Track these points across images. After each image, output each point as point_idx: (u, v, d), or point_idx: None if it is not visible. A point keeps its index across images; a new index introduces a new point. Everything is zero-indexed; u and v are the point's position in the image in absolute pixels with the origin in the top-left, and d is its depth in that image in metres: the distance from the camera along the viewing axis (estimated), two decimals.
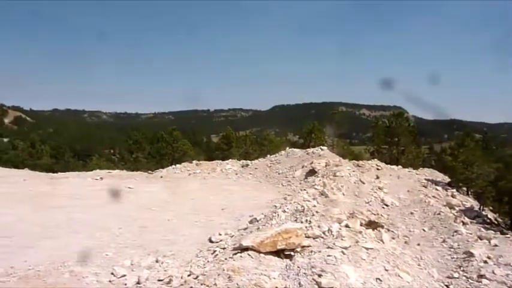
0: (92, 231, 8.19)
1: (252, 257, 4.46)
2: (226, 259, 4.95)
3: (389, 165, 18.29)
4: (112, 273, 6.03)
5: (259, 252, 4.62)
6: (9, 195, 11.44)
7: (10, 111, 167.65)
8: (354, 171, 14.95)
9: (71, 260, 6.34)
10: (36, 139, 34.74)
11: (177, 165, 19.16)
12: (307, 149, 19.01)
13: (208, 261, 6.18)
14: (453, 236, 9.61)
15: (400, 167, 18.03)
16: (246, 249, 4.75)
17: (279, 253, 4.77)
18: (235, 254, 4.84)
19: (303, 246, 4.86)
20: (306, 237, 5.12)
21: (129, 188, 13.33)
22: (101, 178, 15.13)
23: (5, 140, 35.63)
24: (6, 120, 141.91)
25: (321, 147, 19.23)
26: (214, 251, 6.78)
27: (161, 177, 16.46)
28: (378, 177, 14.95)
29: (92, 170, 19.27)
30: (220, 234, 8.10)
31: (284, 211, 7.64)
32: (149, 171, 18.36)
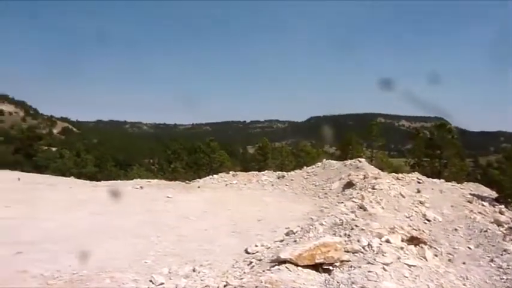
0: (132, 239, 8.40)
1: (289, 270, 4.39)
2: (263, 271, 4.90)
3: (431, 179, 17.56)
4: (151, 281, 6.12)
5: (297, 265, 4.55)
6: (57, 202, 12.01)
7: (58, 122, 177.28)
8: (393, 184, 14.48)
9: (111, 266, 6.52)
10: (81, 149, 36.44)
11: (214, 176, 19.40)
12: (345, 161, 18.68)
13: (244, 272, 6.15)
14: (502, 255, 9.01)
15: (442, 180, 17.25)
16: (284, 261, 4.68)
17: (317, 267, 4.67)
18: (273, 266, 4.79)
19: (342, 261, 4.73)
20: (345, 251, 4.98)
21: (168, 197, 13.62)
22: (140, 187, 15.57)
23: (53, 149, 37.59)
24: (55, 131, 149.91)
25: (359, 159, 18.83)
26: (251, 262, 6.75)
27: (198, 187, 16.71)
28: (419, 191, 14.37)
29: (132, 179, 19.89)
30: (256, 246, 8.05)
31: (321, 224, 7.51)
32: (187, 181, 18.68)
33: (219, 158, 28.57)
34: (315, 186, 16.28)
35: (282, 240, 8.27)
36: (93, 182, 18.76)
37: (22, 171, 24.63)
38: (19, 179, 18.29)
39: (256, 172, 20.04)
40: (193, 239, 8.76)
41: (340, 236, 5.87)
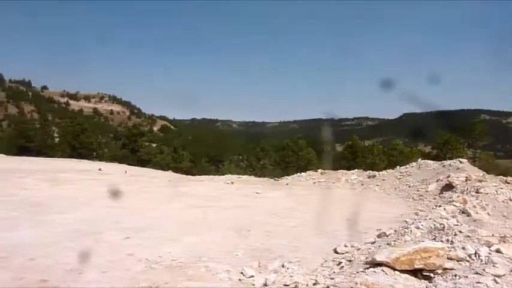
0: (224, 232, 8.79)
1: (386, 274, 4.19)
2: (357, 272, 4.76)
3: None
4: (241, 273, 6.33)
5: (394, 269, 4.32)
6: (159, 193, 13.09)
7: (158, 121, 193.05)
8: (501, 188, 12.99)
9: (206, 256, 6.90)
10: (178, 145, 39.23)
11: (302, 174, 19.40)
12: (443, 161, 17.28)
13: (334, 272, 6.04)
14: None
15: None
16: (379, 264, 4.49)
17: (415, 272, 4.39)
18: (367, 268, 4.62)
19: (445, 269, 4.36)
20: (448, 258, 4.59)
21: (257, 193, 13.97)
22: (231, 182, 16.21)
23: (154, 145, 41.06)
24: (155, 128, 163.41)
25: (460, 159, 17.26)
26: (340, 263, 6.60)
27: (287, 184, 16.86)
28: None
29: (224, 175, 20.80)
30: (346, 246, 7.85)
31: (418, 227, 7.03)
32: (275, 178, 18.96)
33: (306, 156, 28.49)
34: (409, 187, 15.34)
35: (373, 242, 7.94)
36: (188, 176, 20.02)
37: (128, 164, 27.37)
38: (126, 171, 20.34)
39: (345, 171, 19.55)
40: (282, 236, 8.85)
41: (442, 241, 5.42)
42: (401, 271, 4.32)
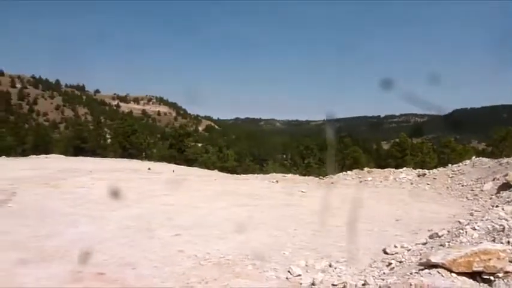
0: (270, 230, 8.83)
1: (442, 276, 4.02)
2: (410, 273, 4.61)
3: None
4: (289, 271, 6.34)
5: (450, 271, 4.13)
6: (205, 192, 13.39)
7: (203, 121, 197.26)
8: None
9: (253, 254, 6.98)
10: (223, 144, 39.95)
11: (348, 172, 19.03)
12: (500, 159, 16.25)
13: (384, 273, 5.89)
14: None
15: None
16: (434, 266, 4.31)
17: (473, 275, 4.17)
18: (421, 269, 4.46)
19: (507, 272, 4.11)
20: (509, 261, 4.32)
21: (302, 191, 13.91)
22: (276, 181, 16.23)
23: (199, 145, 42.03)
24: (200, 128, 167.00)
25: None
26: (390, 263, 6.43)
27: (332, 183, 16.62)
28: None
29: (268, 174, 20.88)
30: (395, 247, 7.62)
31: (474, 228, 6.67)
32: (320, 177, 18.76)
33: (352, 154, 27.94)
34: (462, 186, 14.59)
35: (425, 243, 7.64)
36: (234, 175, 20.30)
37: (175, 163, 28.22)
38: (173, 170, 20.99)
39: (394, 169, 18.93)
40: (328, 235, 8.75)
41: (502, 243, 5.11)
42: (458, 273, 4.12)
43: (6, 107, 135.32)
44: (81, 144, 37.15)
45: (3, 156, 26.98)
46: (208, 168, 27.70)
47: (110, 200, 11.53)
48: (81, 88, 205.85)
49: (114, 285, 5.61)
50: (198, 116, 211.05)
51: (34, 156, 28.31)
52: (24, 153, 31.93)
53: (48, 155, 28.71)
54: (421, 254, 6.25)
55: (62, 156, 29.19)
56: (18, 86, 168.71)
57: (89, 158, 29.61)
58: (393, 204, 12.54)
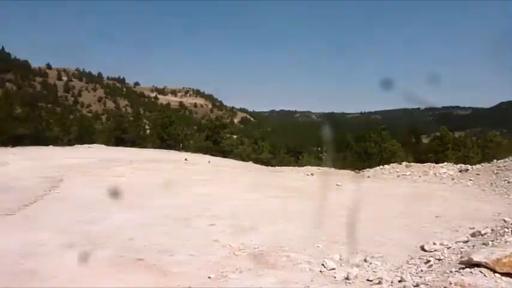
0: (305, 223, 8.82)
1: (485, 275, 3.87)
2: (450, 272, 4.48)
3: None
4: (322, 265, 6.32)
5: (494, 271, 3.97)
6: (241, 183, 13.56)
7: (238, 113, 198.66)
8: None
9: (287, 246, 7.01)
10: (258, 136, 40.09)
11: (385, 166, 18.58)
12: None
13: (421, 271, 5.75)
14: None
15: None
16: (476, 265, 4.16)
17: None
18: (462, 268, 4.32)
19: None
20: None
21: (337, 185, 13.74)
22: (311, 174, 16.14)
23: (234, 136, 42.42)
24: (235, 120, 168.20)
25: None
26: (428, 261, 6.26)
27: (368, 177, 16.32)
28: None
29: (303, 166, 20.78)
30: (434, 244, 7.39)
31: None
32: (356, 170, 18.46)
33: (390, 148, 27.21)
34: (508, 183, 13.87)
35: (466, 241, 7.37)
36: (269, 167, 20.37)
37: (211, 155, 28.67)
38: (209, 161, 21.35)
39: (434, 164, 18.28)
40: (364, 229, 8.61)
41: None
42: (503, 274, 3.95)
43: (53, 99, 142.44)
44: (121, 134, 38.48)
45: (51, 146, 28.51)
46: (243, 159, 27.92)
47: (149, 188, 11.93)
48: (122, 81, 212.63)
49: (152, 271, 5.83)
50: (233, 108, 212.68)
51: (78, 145, 29.71)
52: (69, 143, 33.54)
53: (91, 145, 30.03)
54: (461, 253, 6.04)
55: (103, 146, 30.42)
56: (64, 78, 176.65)
57: (128, 148, 30.67)
58: (433, 199, 12.13)
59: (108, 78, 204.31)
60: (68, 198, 10.12)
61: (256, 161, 28.25)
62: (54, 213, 8.83)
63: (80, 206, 9.47)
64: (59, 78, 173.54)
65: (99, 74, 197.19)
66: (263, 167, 21.17)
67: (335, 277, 5.99)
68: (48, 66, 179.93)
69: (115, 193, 10.09)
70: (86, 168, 15.14)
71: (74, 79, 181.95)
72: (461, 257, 5.29)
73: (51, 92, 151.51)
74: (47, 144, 28.85)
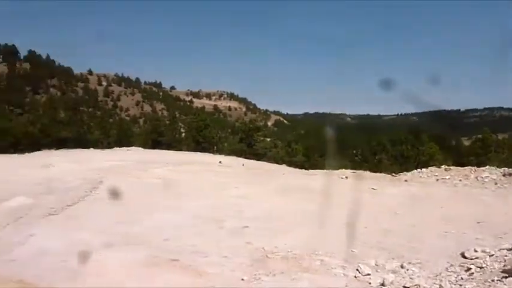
0: (339, 227, 8.67)
1: None
2: (492, 281, 4.29)
3: None
4: (357, 270, 6.23)
5: None
6: (273, 186, 13.57)
7: (272, 116, 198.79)
8: None
9: (321, 250, 6.95)
10: (291, 139, 39.93)
11: (423, 170, 17.98)
12: None
13: (461, 278, 5.54)
14: None
15: None
16: None
17: None
18: (505, 277, 4.13)
19: None
20: None
21: (373, 189, 13.46)
22: (346, 177, 15.89)
23: (268, 139, 42.47)
24: (269, 123, 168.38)
25: None
26: (469, 269, 6.01)
27: (405, 180, 15.85)
28: None
29: (337, 169, 20.48)
30: (476, 251, 7.08)
31: None
32: (393, 174, 17.99)
33: (428, 151, 26.32)
34: None
35: (510, 249, 7.01)
36: (302, 170, 20.24)
37: (245, 158, 28.85)
38: (243, 164, 21.50)
39: (475, 167, 17.49)
40: (401, 235, 8.41)
41: None
42: None
43: (94, 103, 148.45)
44: (158, 137, 39.49)
45: (91, 148, 29.72)
46: (276, 162, 27.93)
47: (184, 190, 12.18)
48: (158, 85, 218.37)
49: (187, 271, 5.96)
50: (267, 110, 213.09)
51: (117, 148, 30.79)
52: (109, 146, 34.82)
53: (129, 148, 31.03)
54: (505, 261, 5.77)
55: (140, 148, 31.35)
56: (104, 84, 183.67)
57: (164, 150, 31.43)
58: (474, 205, 11.62)
59: (145, 82, 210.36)
60: (107, 200, 10.50)
61: (290, 163, 28.15)
62: (94, 213, 9.20)
63: (118, 207, 9.81)
64: (99, 84, 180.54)
65: (137, 79, 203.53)
66: (296, 169, 21.06)
67: (370, 283, 5.88)
68: (89, 72, 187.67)
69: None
70: (124, 170, 15.66)
71: (113, 84, 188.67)
72: (504, 265, 5.05)
73: (92, 96, 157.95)
74: (87, 147, 30.10)
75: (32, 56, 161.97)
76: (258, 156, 32.04)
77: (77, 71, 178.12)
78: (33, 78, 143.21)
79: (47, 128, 34.24)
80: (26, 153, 24.96)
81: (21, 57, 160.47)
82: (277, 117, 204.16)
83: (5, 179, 12.34)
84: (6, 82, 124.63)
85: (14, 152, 27.22)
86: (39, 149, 26.83)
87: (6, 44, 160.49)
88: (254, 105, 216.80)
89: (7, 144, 31.47)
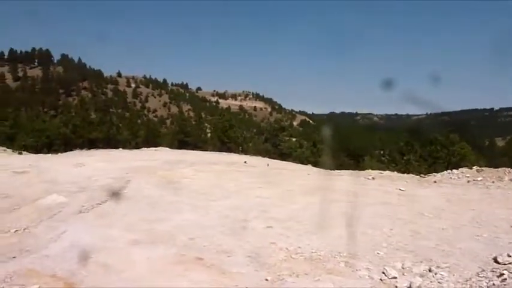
0: (365, 228, 8.56)
1: None
2: None
3: None
4: (383, 272, 6.12)
5: None
6: (299, 186, 13.50)
7: (297, 115, 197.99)
8: None
9: (346, 251, 6.86)
10: (317, 139, 39.58)
11: (454, 171, 17.45)
12: None
13: (493, 284, 5.36)
14: None
15: None
16: None
17: None
18: None
19: None
20: None
21: (400, 190, 13.17)
22: (372, 178, 15.63)
23: (294, 139, 42.30)
24: (294, 123, 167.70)
25: None
26: (502, 274, 5.80)
27: (435, 182, 15.43)
28: None
29: (364, 170, 20.17)
30: (509, 256, 6.81)
31: None
32: (422, 175, 17.55)
33: (459, 151, 25.49)
34: None
35: None
36: (327, 170, 20.02)
37: (270, 157, 28.86)
38: (268, 164, 21.49)
39: (509, 169, 16.81)
40: (429, 237, 8.18)
41: None
42: None
43: (123, 104, 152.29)
44: (184, 138, 40.11)
45: (120, 148, 30.50)
46: (302, 162, 27.78)
47: (210, 190, 12.31)
48: (185, 86, 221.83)
49: (212, 270, 6.02)
50: (292, 110, 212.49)
51: (145, 148, 31.45)
52: (137, 146, 35.66)
53: (156, 148, 31.64)
54: None
55: (167, 148, 31.90)
56: (133, 85, 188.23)
57: (191, 151, 31.86)
58: (508, 208, 11.17)
59: (172, 84, 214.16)
60: (135, 198, 10.75)
61: (315, 164, 27.94)
62: (122, 211, 9.44)
63: (145, 206, 10.03)
64: (128, 85, 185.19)
65: (164, 80, 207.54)
66: (322, 170, 20.86)
67: (396, 286, 5.78)
68: (119, 75, 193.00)
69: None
70: (152, 169, 15.96)
71: (141, 86, 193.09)
72: None
73: (121, 98, 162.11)
74: (117, 147, 30.91)
75: (64, 60, 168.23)
76: (283, 156, 31.97)
77: (106, 73, 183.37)
78: (66, 81, 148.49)
79: (78, 129, 35.41)
80: (59, 153, 25.93)
81: (55, 61, 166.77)
82: (303, 117, 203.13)
83: (42, 179, 12.84)
84: (41, 85, 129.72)
85: (48, 152, 28.34)
86: (71, 149, 27.81)
87: (41, 48, 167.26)
88: (280, 105, 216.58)
89: (42, 144, 32.78)
